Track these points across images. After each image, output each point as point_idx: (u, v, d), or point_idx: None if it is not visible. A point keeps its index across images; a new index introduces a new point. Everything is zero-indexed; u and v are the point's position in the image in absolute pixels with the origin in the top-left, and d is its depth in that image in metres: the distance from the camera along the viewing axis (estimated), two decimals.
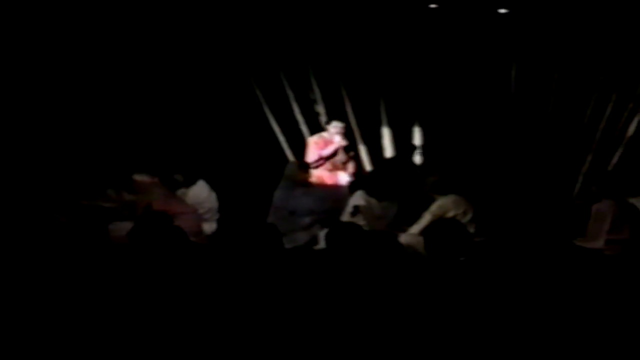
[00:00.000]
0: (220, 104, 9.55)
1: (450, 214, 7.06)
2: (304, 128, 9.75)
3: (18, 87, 8.76)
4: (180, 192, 8.28)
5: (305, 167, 8.52)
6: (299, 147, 9.60)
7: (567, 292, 4.65)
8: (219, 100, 9.52)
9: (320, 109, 9.75)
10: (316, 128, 9.65)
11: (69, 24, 8.72)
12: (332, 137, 8.84)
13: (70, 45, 8.73)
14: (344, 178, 8.94)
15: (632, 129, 8.77)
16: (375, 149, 9.58)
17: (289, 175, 8.27)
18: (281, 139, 9.73)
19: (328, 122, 9.17)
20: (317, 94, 9.77)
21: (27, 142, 8.85)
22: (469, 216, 7.12)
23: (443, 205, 7.22)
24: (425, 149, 9.32)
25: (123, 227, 7.08)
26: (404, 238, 6.79)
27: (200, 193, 8.43)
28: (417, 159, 9.58)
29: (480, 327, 4.20)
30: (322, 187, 8.61)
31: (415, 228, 7.12)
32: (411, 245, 6.47)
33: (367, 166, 9.54)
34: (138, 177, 7.97)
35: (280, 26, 9.31)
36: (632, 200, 7.06)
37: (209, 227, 8.26)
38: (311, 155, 8.94)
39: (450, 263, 4.74)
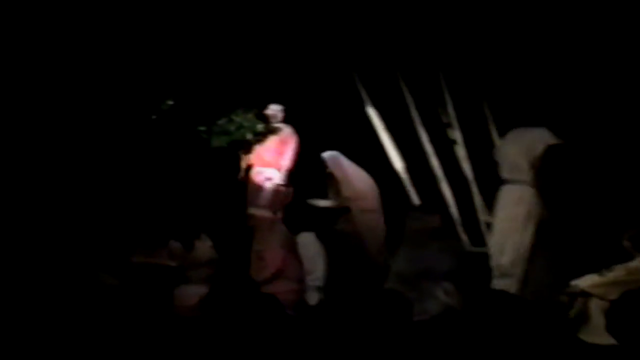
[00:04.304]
0: (321, 133, 9.76)
1: None
2: (434, 162, 9.79)
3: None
4: None
5: (435, 213, 8.50)
6: (429, 190, 9.64)
7: None
8: (319, 131, 9.75)
9: (457, 135, 9.78)
10: (452, 161, 9.70)
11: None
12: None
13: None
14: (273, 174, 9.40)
15: None
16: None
17: (416, 226, 8.20)
18: (404, 177, 9.83)
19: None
20: (452, 115, 9.77)
21: (64, 184, 9.31)
22: None
23: None
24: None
25: (193, 292, 7.53)
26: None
27: (307, 248, 8.63)
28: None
29: None
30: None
31: (597, 279, 7.19)
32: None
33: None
34: (255, 211, 8.35)
35: (404, 24, 9.54)
36: None
37: (311, 297, 8.51)
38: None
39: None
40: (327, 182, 9.26)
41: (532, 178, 8.09)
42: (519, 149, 8.16)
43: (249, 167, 9.50)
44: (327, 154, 9.20)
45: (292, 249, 8.39)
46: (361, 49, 9.90)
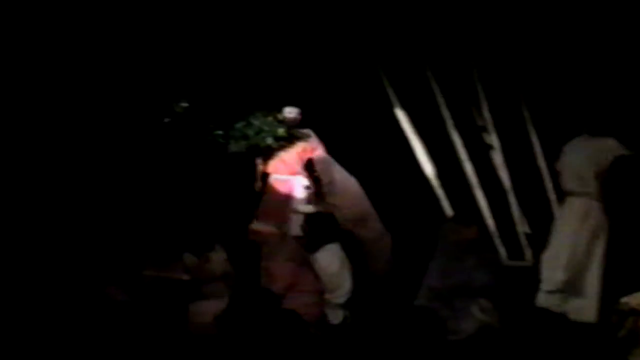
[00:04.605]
0: (345, 137, 9.70)
1: None
2: (469, 169, 9.67)
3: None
4: None
5: (470, 224, 8.31)
6: (462, 199, 9.55)
7: None
8: (342, 135, 9.71)
9: (493, 139, 9.70)
10: (488, 168, 9.56)
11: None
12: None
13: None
14: (302, 183, 9.35)
15: None
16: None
17: (451, 239, 8.10)
18: (435, 184, 9.68)
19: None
20: (488, 118, 9.70)
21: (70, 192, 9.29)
22: None
23: None
24: None
25: (208, 308, 7.49)
26: None
27: (330, 263, 8.44)
28: None
29: None
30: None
31: None
32: None
33: None
34: (259, 227, 8.39)
35: (433, 16, 9.44)
36: None
37: (334, 314, 8.36)
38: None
39: None
40: (313, 186, 9.22)
41: (598, 190, 8.07)
42: (584, 159, 8.14)
43: (265, 175, 9.47)
44: (316, 157, 9.18)
45: (302, 261, 8.32)
46: (387, 44, 9.76)
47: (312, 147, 9.41)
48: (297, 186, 9.36)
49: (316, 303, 8.13)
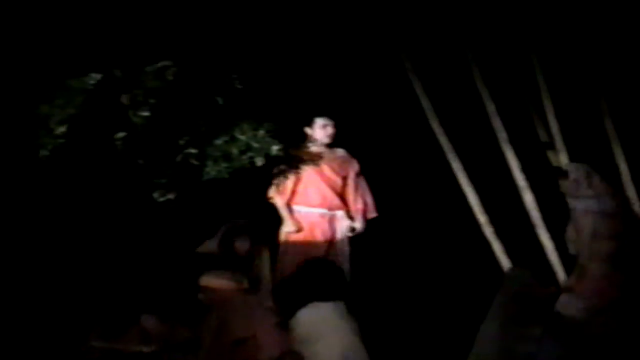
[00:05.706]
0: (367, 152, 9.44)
1: None
2: (529, 200, 9.01)
3: None
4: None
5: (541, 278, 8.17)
6: (520, 241, 9.08)
7: None
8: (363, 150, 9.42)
9: (563, 159, 9.11)
10: (556, 198, 8.81)
11: None
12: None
13: None
14: (344, 224, 9.22)
15: None
16: None
17: (513, 291, 7.89)
18: (483, 221, 9.01)
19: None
20: (555, 130, 9.19)
21: None
22: None
23: None
24: None
25: None
26: None
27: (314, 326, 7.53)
28: None
29: None
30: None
31: None
32: None
33: None
34: (211, 281, 7.89)
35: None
36: None
37: None
38: None
39: None
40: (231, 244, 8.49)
41: None
42: None
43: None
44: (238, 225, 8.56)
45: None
46: (416, 29, 9.38)
47: (357, 171, 9.28)
48: (341, 225, 9.19)
49: None
